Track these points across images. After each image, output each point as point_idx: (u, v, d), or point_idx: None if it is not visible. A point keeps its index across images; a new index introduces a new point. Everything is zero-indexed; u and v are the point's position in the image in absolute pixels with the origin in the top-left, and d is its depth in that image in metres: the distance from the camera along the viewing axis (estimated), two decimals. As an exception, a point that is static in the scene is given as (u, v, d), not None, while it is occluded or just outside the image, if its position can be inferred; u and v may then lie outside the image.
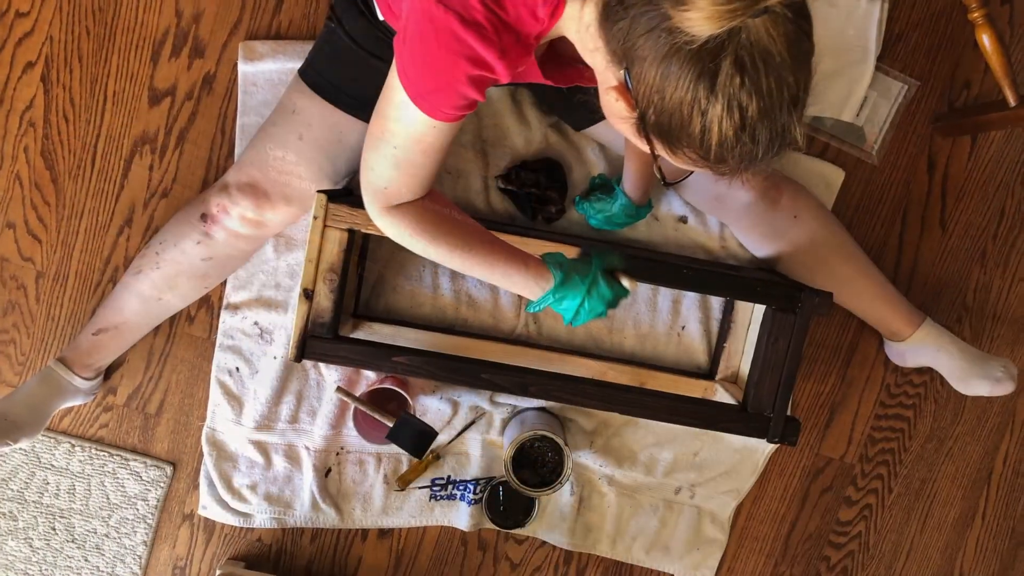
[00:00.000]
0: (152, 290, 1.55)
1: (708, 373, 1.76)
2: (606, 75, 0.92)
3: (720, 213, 1.66)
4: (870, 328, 1.78)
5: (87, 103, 1.65)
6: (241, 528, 1.77)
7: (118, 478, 1.74)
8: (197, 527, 1.78)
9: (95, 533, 1.75)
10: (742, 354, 1.68)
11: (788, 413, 1.50)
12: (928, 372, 1.83)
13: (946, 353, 1.67)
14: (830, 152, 1.76)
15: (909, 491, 1.88)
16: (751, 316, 1.65)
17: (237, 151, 1.65)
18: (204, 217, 1.52)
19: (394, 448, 1.73)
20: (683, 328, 1.76)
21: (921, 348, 1.69)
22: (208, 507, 1.75)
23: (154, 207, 1.68)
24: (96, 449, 1.73)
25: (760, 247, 1.66)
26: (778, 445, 1.78)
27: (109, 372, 1.71)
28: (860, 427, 1.85)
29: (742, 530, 1.87)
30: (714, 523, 1.85)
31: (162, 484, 1.75)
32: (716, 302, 1.77)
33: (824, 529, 1.88)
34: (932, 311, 1.80)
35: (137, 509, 1.75)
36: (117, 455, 1.74)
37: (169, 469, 1.75)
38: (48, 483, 1.73)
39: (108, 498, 1.74)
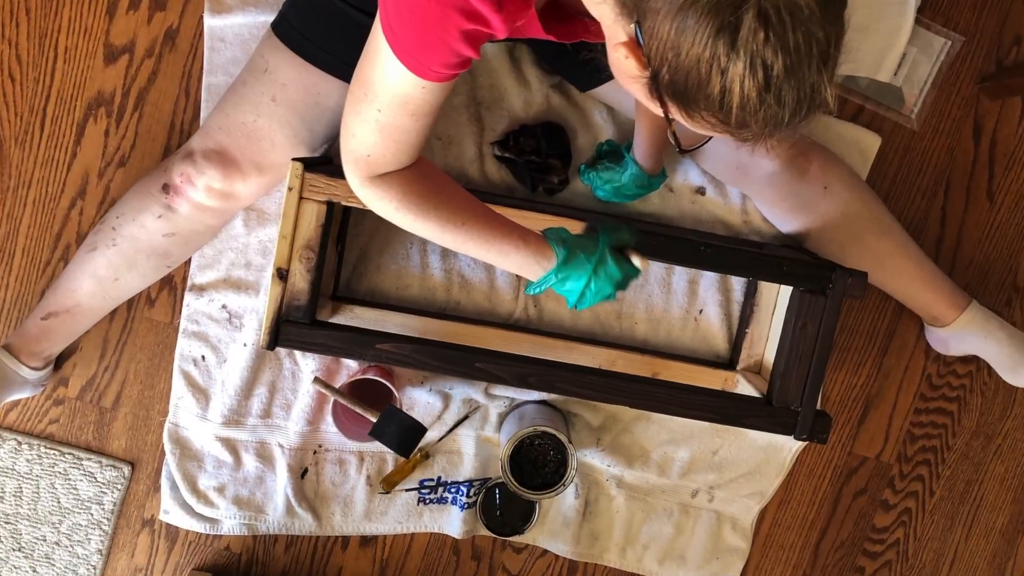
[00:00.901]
0: (108, 270, 1.57)
1: (728, 362, 1.78)
2: (614, 29, 0.92)
3: (742, 184, 1.67)
4: (909, 312, 1.79)
5: (35, 61, 1.65)
6: (207, 535, 1.79)
7: (70, 479, 1.75)
8: (158, 534, 1.80)
9: (44, 541, 1.77)
10: (766, 341, 1.69)
11: (818, 407, 1.52)
12: (974, 361, 1.84)
13: (994, 340, 1.69)
14: (864, 116, 1.77)
15: (953, 494, 1.90)
16: (776, 299, 1.66)
17: (203, 114, 1.66)
18: (166, 188, 1.53)
19: (378, 446, 1.74)
20: (700, 312, 1.78)
21: (966, 334, 1.71)
22: (170, 512, 1.76)
23: (110, 177, 1.69)
24: (45, 447, 1.75)
25: (786, 221, 1.67)
26: (806, 443, 1.80)
27: (60, 361, 1.73)
28: (898, 423, 1.86)
29: (766, 537, 1.89)
30: (735, 529, 1.87)
31: (119, 486, 1.77)
32: (737, 283, 1.78)
33: (858, 536, 1.90)
34: (978, 293, 1.81)
35: (91, 514, 1.77)
36: (69, 454, 1.75)
37: (127, 469, 1.77)
38: (-7, 485, 1.75)
39: (59, 502, 1.76)
